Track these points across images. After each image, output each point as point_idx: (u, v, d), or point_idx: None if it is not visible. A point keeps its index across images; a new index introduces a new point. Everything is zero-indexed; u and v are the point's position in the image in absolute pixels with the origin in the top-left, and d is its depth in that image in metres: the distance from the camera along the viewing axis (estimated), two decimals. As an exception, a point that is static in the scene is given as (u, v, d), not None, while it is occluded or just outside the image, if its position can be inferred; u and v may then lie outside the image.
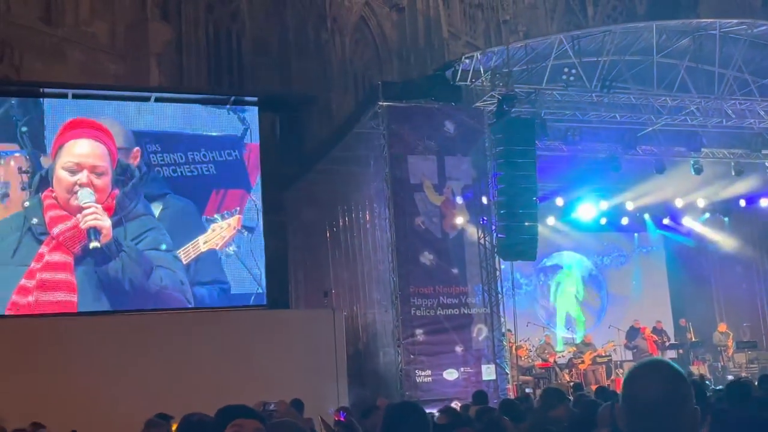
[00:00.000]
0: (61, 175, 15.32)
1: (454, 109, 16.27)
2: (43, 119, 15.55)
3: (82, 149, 15.60)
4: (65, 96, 16.07)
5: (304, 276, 21.28)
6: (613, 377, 18.68)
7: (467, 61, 16.38)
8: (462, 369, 15.25)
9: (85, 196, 15.25)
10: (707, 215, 22.38)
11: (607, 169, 18.12)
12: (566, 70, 15.92)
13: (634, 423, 2.50)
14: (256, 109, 17.13)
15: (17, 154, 15.25)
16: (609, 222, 21.90)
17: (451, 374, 15.15)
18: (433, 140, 15.94)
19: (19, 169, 15.20)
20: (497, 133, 15.76)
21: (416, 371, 14.99)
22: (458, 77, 16.25)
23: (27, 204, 15.12)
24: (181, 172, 16.17)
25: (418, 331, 15.17)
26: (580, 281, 23.10)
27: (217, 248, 16.13)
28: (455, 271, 15.71)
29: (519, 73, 16.32)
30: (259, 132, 16.98)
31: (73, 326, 14.49)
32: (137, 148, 15.89)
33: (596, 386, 15.35)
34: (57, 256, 15.04)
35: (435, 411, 10.21)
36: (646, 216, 22.54)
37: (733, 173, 19.39)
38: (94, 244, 15.14)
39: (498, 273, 16.18)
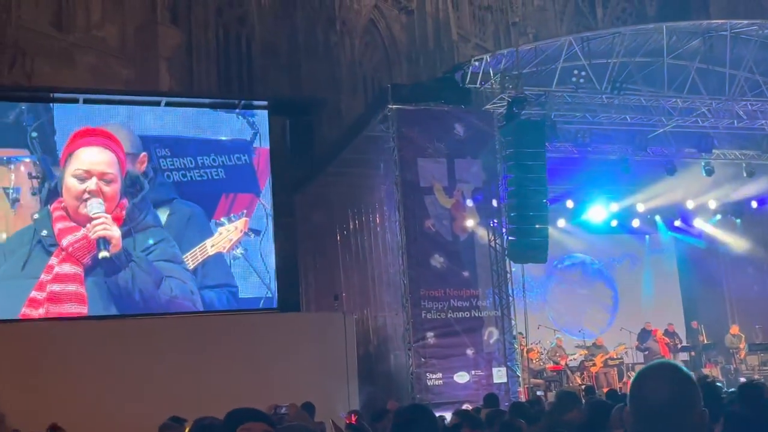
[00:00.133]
0: (70, 183, 15.36)
1: (463, 111, 16.26)
2: (54, 124, 15.60)
3: (91, 157, 15.63)
4: (76, 101, 16.13)
5: (314, 279, 21.28)
6: (624, 380, 18.58)
7: (476, 63, 16.37)
8: (473, 372, 15.22)
9: (95, 207, 15.27)
10: (719, 217, 22.29)
11: (618, 170, 18.09)
12: (576, 72, 15.89)
13: (641, 425, 2.49)
14: (265, 113, 17.15)
15: (27, 160, 15.31)
16: (620, 224, 21.83)
17: (462, 377, 15.12)
18: (443, 143, 15.92)
19: (29, 174, 15.26)
20: (507, 135, 15.74)
21: (427, 374, 14.97)
22: (468, 80, 16.25)
23: (36, 216, 15.16)
24: (191, 176, 16.20)
25: (429, 334, 15.15)
26: (590, 284, 23.01)
27: (225, 251, 16.15)
28: (466, 273, 15.68)
29: (528, 75, 16.29)
30: (269, 136, 17.01)
31: (84, 330, 14.54)
32: (144, 153, 15.91)
33: (608, 389, 15.28)
34: (67, 268, 15.08)
35: (445, 414, 10.20)
36: (657, 218, 22.46)
37: (744, 174, 19.32)
38: (103, 254, 15.16)
39: (509, 276, 16.14)
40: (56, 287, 14.99)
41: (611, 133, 18.09)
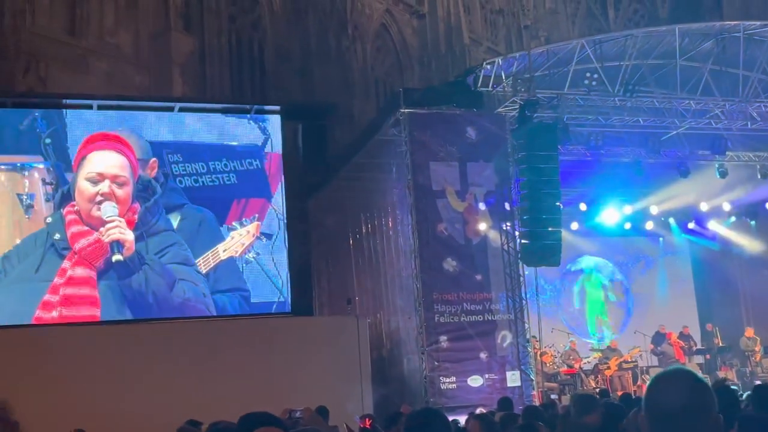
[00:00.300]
0: (83, 186, 15.45)
1: (475, 115, 16.25)
2: (67, 131, 15.69)
3: (103, 160, 15.72)
4: (90, 107, 16.23)
5: (327, 283, 21.31)
6: (639, 383, 18.50)
7: (488, 66, 16.36)
8: (486, 375, 15.19)
9: (108, 210, 15.34)
10: (733, 219, 22.19)
11: (631, 173, 18.02)
12: (588, 74, 15.86)
13: (657, 431, 2.50)
14: (277, 118, 17.23)
15: (41, 166, 15.41)
16: (633, 227, 21.75)
17: (475, 381, 15.09)
18: (455, 146, 15.91)
19: (43, 180, 15.35)
20: (519, 138, 15.72)
21: (440, 378, 14.95)
22: (480, 83, 16.23)
23: (49, 220, 15.24)
24: (203, 182, 16.27)
25: (442, 338, 15.13)
26: (604, 287, 22.95)
27: (237, 255, 16.19)
28: (479, 277, 15.66)
29: (541, 78, 16.27)
30: (282, 140, 17.08)
31: (98, 335, 14.60)
32: (155, 158, 15.99)
33: (622, 392, 15.22)
34: (80, 271, 15.16)
35: (459, 418, 10.18)
36: (671, 220, 22.38)
37: (758, 176, 19.21)
38: (117, 257, 15.23)
39: (522, 279, 16.10)
40: (69, 290, 15.07)
41: (624, 136, 18.02)
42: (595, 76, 15.81)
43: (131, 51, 24.41)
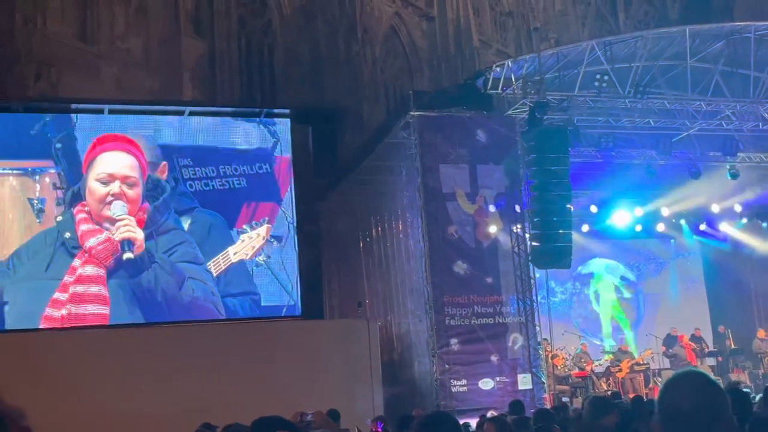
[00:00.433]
0: (93, 187, 15.52)
1: (485, 117, 16.24)
2: (77, 135, 15.76)
3: (113, 161, 15.79)
4: (101, 112, 16.30)
5: (338, 286, 21.32)
6: (651, 385, 18.46)
7: (498, 69, 16.35)
8: (498, 378, 15.17)
9: (118, 209, 15.43)
10: (744, 220, 22.10)
11: (642, 175, 17.98)
12: (598, 76, 15.84)
13: (670, 434, 2.50)
14: (287, 121, 17.27)
15: (52, 171, 15.48)
16: (644, 228, 21.67)
17: (486, 384, 15.07)
18: (465, 149, 15.91)
19: (54, 185, 15.42)
20: (530, 140, 15.69)
21: (451, 381, 14.94)
22: (489, 85, 16.23)
23: (59, 219, 15.31)
24: (213, 185, 16.31)
25: (453, 341, 15.12)
26: (615, 289, 22.89)
27: (247, 258, 16.22)
28: (489, 280, 15.64)
29: (551, 80, 16.25)
30: (291, 144, 17.10)
31: (108, 339, 14.63)
32: (164, 162, 16.05)
33: (634, 395, 15.18)
34: (90, 269, 15.21)
35: (470, 421, 10.16)
36: (683, 222, 22.29)
37: (770, 177, 19.15)
38: (127, 255, 15.30)
39: (532, 281, 16.08)
40: (79, 288, 15.12)
41: (635, 138, 17.99)
42: (606, 77, 15.79)
43: (142, 56, 24.49)
